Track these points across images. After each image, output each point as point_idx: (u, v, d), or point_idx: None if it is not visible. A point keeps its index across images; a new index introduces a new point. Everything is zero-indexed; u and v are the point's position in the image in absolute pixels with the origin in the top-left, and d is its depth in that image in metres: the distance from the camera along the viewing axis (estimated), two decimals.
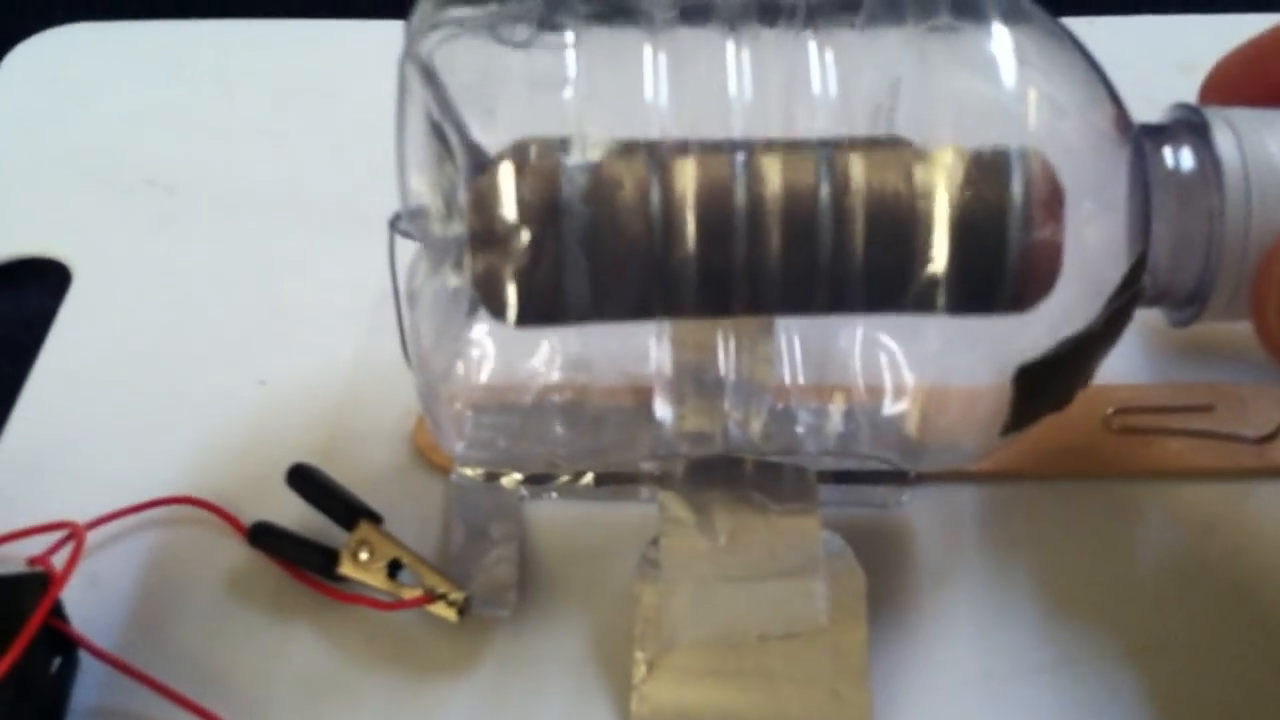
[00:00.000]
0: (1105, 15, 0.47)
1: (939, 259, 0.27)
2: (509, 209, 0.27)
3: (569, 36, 0.29)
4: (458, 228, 0.28)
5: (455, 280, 0.28)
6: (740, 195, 0.27)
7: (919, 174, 0.28)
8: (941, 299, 0.28)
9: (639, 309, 0.28)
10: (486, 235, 0.27)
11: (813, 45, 0.29)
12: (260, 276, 0.41)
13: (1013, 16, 0.29)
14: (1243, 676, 0.32)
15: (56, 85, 0.48)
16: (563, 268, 0.27)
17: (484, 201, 0.27)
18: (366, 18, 0.48)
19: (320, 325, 0.39)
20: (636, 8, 0.30)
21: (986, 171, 0.27)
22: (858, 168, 0.28)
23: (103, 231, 0.43)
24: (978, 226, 0.27)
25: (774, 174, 0.28)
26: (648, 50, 0.29)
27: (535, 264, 0.27)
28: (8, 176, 0.45)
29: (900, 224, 0.27)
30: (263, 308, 0.40)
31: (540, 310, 0.28)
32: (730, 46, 0.29)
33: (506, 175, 0.28)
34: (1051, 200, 0.28)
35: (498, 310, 0.28)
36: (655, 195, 0.27)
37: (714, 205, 0.27)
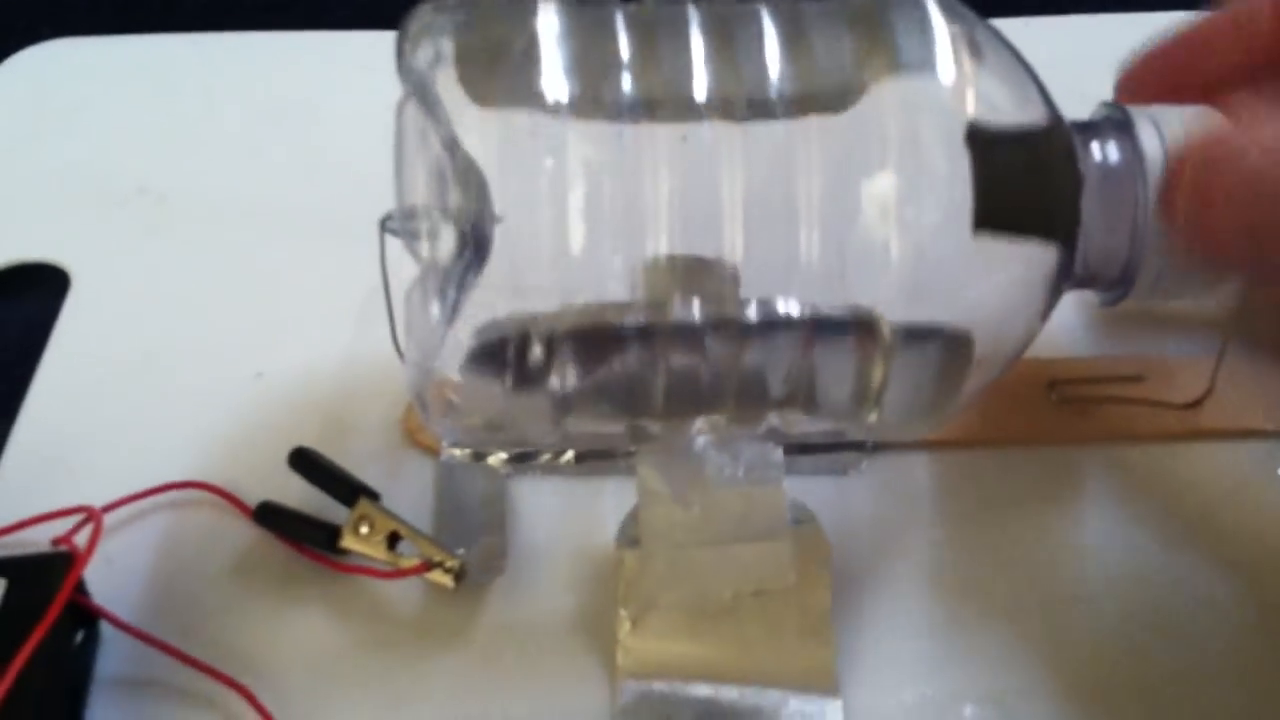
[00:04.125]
0: (1041, 16, 0.49)
1: None
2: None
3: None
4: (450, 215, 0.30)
5: (444, 264, 0.31)
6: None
7: None
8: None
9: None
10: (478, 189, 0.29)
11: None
12: (250, 278, 0.43)
13: (950, 18, 0.32)
14: (1169, 615, 0.35)
15: (45, 98, 0.49)
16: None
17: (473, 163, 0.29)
18: (344, 28, 0.50)
19: (310, 322, 0.41)
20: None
21: None
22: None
23: (98, 238, 0.44)
24: None
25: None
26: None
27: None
28: (3, 187, 0.46)
29: None
30: (255, 306, 0.42)
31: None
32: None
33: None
34: None
35: (483, 253, 0.29)
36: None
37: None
